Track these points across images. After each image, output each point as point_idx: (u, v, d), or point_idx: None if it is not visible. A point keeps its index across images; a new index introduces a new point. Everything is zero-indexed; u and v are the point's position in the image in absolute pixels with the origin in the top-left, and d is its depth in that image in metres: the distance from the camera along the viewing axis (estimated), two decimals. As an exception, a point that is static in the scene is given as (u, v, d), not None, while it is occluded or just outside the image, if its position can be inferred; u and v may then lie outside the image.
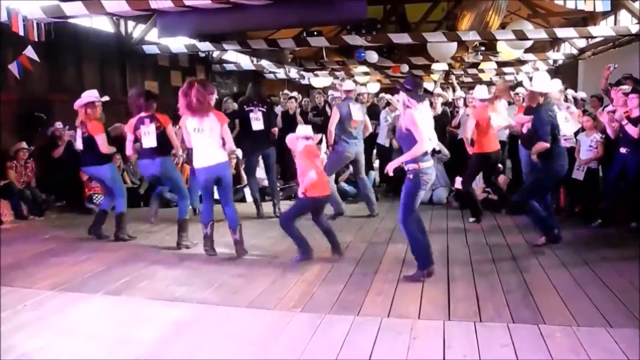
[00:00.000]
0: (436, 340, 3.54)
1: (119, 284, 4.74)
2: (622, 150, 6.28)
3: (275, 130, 7.78)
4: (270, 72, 16.12)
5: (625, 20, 10.89)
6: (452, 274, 4.88)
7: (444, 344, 3.47)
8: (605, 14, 11.39)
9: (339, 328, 3.72)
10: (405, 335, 3.61)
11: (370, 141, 9.76)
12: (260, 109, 7.47)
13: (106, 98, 6.28)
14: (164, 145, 5.95)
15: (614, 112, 6.59)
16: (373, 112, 9.79)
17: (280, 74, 16.31)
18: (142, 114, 5.94)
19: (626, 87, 6.66)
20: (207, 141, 5.33)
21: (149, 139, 5.91)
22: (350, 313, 4.00)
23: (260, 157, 7.84)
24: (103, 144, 6.12)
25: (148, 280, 4.85)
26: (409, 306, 4.14)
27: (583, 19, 12.20)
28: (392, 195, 8.92)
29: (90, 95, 6.19)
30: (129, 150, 6.16)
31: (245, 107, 7.54)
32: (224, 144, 5.43)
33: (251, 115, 7.42)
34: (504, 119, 6.96)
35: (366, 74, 17.48)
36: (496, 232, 6.60)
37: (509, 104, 9.05)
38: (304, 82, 17.78)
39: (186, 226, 6.00)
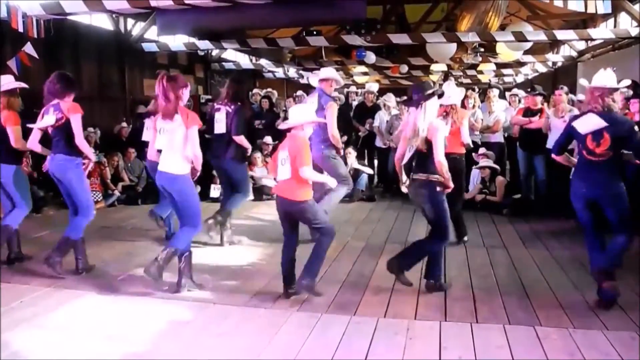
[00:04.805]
0: (432, 340, 3.55)
1: (116, 282, 4.74)
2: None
3: (240, 139, 5.88)
4: (269, 71, 16.14)
5: (625, 23, 10.89)
6: (448, 274, 4.88)
7: (440, 345, 3.48)
8: (605, 17, 11.40)
9: (336, 328, 3.73)
10: (401, 335, 3.62)
11: (368, 142, 9.79)
12: (227, 108, 5.89)
13: (24, 85, 5.39)
14: (65, 141, 4.89)
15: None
16: (374, 113, 9.77)
17: (279, 73, 16.33)
18: (52, 102, 4.94)
19: (625, 90, 6.64)
20: (165, 144, 4.47)
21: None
22: (347, 313, 4.00)
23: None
24: (18, 138, 5.11)
25: (144, 278, 4.82)
26: (405, 306, 4.15)
27: (583, 21, 12.22)
28: (389, 197, 8.93)
29: (11, 82, 5.28)
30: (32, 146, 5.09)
31: (215, 104, 6.15)
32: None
33: (216, 115, 5.95)
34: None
35: (365, 74, 17.49)
36: (493, 233, 6.61)
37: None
38: (303, 81, 17.80)
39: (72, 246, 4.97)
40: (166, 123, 4.38)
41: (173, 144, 4.38)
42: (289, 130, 4.35)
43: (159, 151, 4.60)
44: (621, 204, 4.15)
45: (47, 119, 4.84)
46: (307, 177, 4.21)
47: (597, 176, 4.15)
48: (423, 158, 4.31)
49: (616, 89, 4.17)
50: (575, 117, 4.41)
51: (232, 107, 5.88)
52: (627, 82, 4.40)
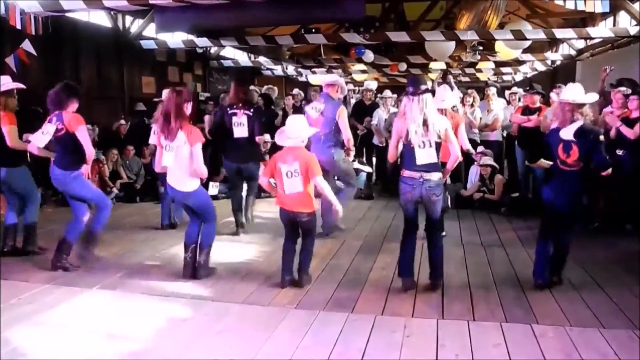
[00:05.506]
0: (429, 338, 3.56)
1: (114, 279, 4.75)
2: (619, 152, 6.28)
3: (261, 139, 6.48)
4: (267, 69, 16.10)
5: (624, 22, 10.88)
6: (446, 273, 4.86)
7: (437, 343, 3.49)
8: (604, 15, 11.38)
9: (333, 325, 3.74)
10: (398, 333, 3.63)
11: (366, 140, 9.81)
12: (246, 112, 6.22)
13: (21, 86, 5.40)
14: (62, 154, 4.92)
15: (611, 113, 6.59)
16: (373, 111, 9.77)
17: (278, 70, 16.28)
18: (55, 112, 4.91)
19: (624, 89, 6.66)
20: (173, 162, 4.55)
21: (41, 139, 4.89)
22: (344, 310, 4.02)
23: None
24: (14, 138, 5.14)
25: (143, 275, 4.86)
26: (402, 304, 4.16)
27: (582, 20, 12.19)
28: (387, 195, 8.93)
29: (9, 82, 5.28)
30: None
31: (228, 109, 6.33)
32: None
33: (234, 119, 6.21)
34: None
35: (364, 72, 17.47)
36: (491, 232, 6.63)
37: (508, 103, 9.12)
38: (302, 79, 17.78)
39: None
40: (171, 141, 4.49)
41: (180, 162, 4.53)
42: None
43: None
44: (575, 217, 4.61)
45: (49, 128, 4.87)
46: (322, 186, 4.45)
47: (565, 186, 4.38)
48: (437, 155, 4.29)
49: (584, 104, 4.33)
50: (552, 131, 4.54)
51: (251, 110, 6.28)
52: (595, 96, 4.49)
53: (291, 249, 4.66)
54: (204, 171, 4.58)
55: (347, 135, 6.09)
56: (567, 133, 4.28)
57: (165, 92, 4.54)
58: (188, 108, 4.55)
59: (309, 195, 4.49)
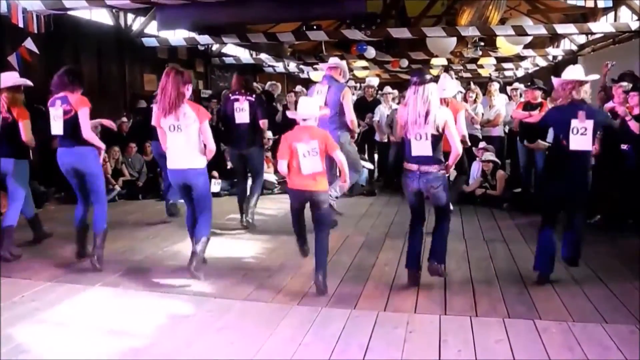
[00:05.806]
0: (432, 334, 3.56)
1: (117, 276, 4.75)
2: (623, 146, 6.25)
3: (265, 122, 6.41)
4: (269, 66, 16.12)
5: (626, 17, 10.88)
6: (448, 268, 4.87)
7: (440, 338, 3.49)
8: (605, 10, 11.37)
9: (336, 322, 3.74)
10: (401, 329, 3.63)
11: (368, 137, 9.81)
12: (248, 98, 6.28)
13: (29, 83, 5.46)
14: (78, 134, 4.86)
15: (612, 109, 6.57)
16: (374, 108, 9.78)
17: (279, 67, 16.30)
18: (58, 95, 4.91)
19: (625, 84, 6.64)
20: (183, 141, 4.50)
21: (56, 126, 4.90)
22: (347, 307, 4.02)
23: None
24: (28, 132, 5.22)
25: (145, 273, 4.86)
26: (405, 300, 4.16)
27: (583, 15, 12.18)
28: (389, 191, 8.94)
29: (16, 78, 5.40)
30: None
31: (230, 95, 6.42)
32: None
33: (235, 105, 6.28)
34: None
35: (365, 68, 17.47)
36: (493, 228, 6.62)
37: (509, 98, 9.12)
38: (303, 76, 17.78)
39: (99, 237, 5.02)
40: (177, 120, 4.43)
41: (190, 140, 4.50)
42: (296, 122, 4.43)
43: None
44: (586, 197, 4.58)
45: (56, 113, 4.87)
46: (341, 159, 4.42)
47: (573, 167, 4.40)
48: (432, 148, 4.25)
49: (585, 82, 4.43)
50: (554, 110, 4.64)
51: (253, 96, 6.34)
52: (596, 76, 4.56)
53: (300, 217, 4.62)
54: (214, 147, 4.59)
55: (350, 116, 6.07)
56: (581, 118, 4.31)
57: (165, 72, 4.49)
58: (189, 89, 4.50)
59: (324, 174, 4.40)
